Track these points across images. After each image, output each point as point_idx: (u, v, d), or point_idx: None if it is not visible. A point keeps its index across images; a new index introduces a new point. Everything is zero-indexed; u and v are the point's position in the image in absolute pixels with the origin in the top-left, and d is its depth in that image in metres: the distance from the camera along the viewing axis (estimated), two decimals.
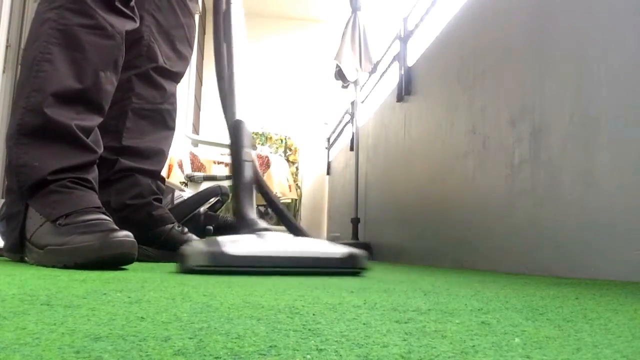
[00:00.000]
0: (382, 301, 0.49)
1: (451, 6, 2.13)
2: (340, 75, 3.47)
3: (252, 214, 0.94)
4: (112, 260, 0.83)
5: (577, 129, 1.23)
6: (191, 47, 1.42)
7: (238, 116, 1.02)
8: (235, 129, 1.01)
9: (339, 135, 4.53)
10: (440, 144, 2.10)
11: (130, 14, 1.09)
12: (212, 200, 2.02)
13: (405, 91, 2.58)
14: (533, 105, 1.42)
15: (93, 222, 0.88)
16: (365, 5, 3.53)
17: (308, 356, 0.24)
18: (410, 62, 2.61)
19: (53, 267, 0.84)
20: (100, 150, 1.05)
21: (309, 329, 0.31)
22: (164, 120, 1.39)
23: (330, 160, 4.94)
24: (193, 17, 1.44)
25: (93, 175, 1.02)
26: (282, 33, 5.57)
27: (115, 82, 1.07)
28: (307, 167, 5.55)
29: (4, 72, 1.91)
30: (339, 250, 0.90)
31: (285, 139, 5.54)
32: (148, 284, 0.59)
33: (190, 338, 0.27)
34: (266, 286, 0.62)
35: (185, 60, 1.44)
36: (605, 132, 1.13)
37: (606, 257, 1.09)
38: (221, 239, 0.83)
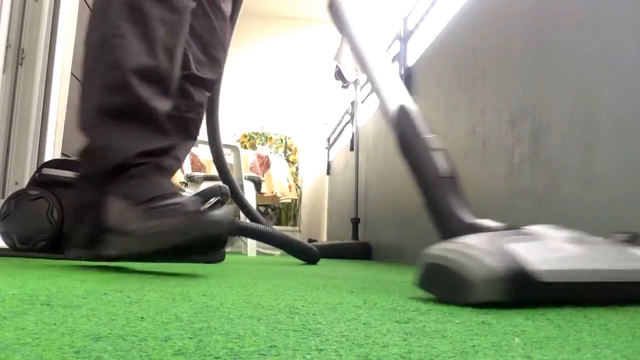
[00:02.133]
0: (382, 301, 0.49)
1: (451, 6, 2.13)
2: (340, 75, 3.47)
3: (465, 211, 0.68)
4: (206, 241, 0.75)
5: (577, 129, 1.23)
6: (225, 51, 1.35)
7: (402, 101, 0.81)
8: (403, 114, 0.80)
9: (339, 135, 4.53)
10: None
11: None
12: (212, 200, 2.02)
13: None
14: (533, 105, 1.42)
15: (179, 204, 0.80)
16: (366, 5, 3.53)
17: (308, 356, 0.24)
18: (410, 62, 2.61)
19: (139, 254, 0.78)
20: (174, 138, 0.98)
21: (309, 329, 0.31)
22: (187, 129, 1.32)
23: (330, 160, 4.94)
24: (227, 20, 1.37)
25: (168, 162, 0.96)
26: (282, 33, 5.57)
27: (179, 62, 1.00)
28: (307, 167, 5.55)
29: (4, 72, 1.91)
30: None
31: (285, 139, 5.54)
32: (148, 284, 0.59)
33: (190, 338, 0.27)
34: (266, 286, 0.62)
35: (217, 64, 1.39)
36: (605, 132, 1.13)
37: None
38: (501, 243, 0.50)
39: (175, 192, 0.87)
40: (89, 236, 0.86)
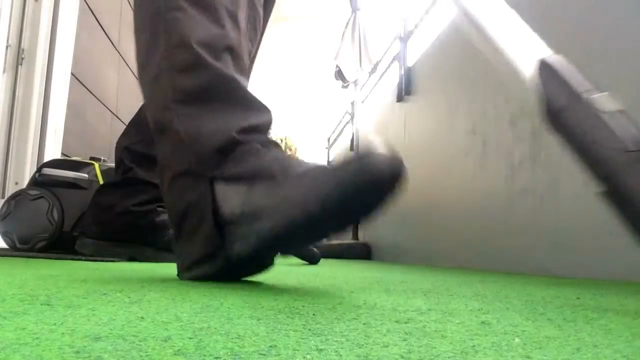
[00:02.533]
0: (382, 301, 0.49)
1: (451, 6, 2.13)
2: (340, 75, 3.47)
3: None
4: (384, 182, 0.53)
5: None
6: (253, 42, 1.05)
7: (541, 54, 0.58)
8: (548, 70, 0.56)
9: (339, 135, 4.53)
10: (440, 144, 2.10)
11: None
12: None
13: (405, 91, 2.59)
14: (533, 105, 1.42)
15: (314, 164, 0.61)
16: (365, 5, 3.54)
17: (308, 356, 0.24)
18: (410, 62, 2.61)
19: (287, 225, 0.55)
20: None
21: (309, 329, 0.31)
22: None
23: (330, 160, 4.95)
24: (257, 7, 1.25)
25: (274, 140, 0.77)
26: (282, 32, 5.58)
27: (245, 30, 0.83)
28: None
29: (4, 72, 1.91)
30: None
31: (284, 139, 5.54)
32: (148, 284, 0.59)
33: (190, 338, 0.27)
34: (266, 286, 0.62)
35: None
36: None
37: (606, 257, 1.09)
38: None
39: (301, 160, 0.67)
40: (207, 241, 0.66)
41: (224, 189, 0.66)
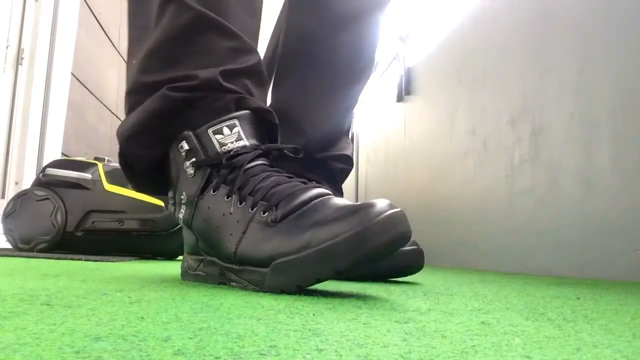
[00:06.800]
0: (382, 301, 0.49)
1: (451, 6, 2.13)
2: None
3: None
4: (389, 248, 0.51)
5: (577, 129, 1.23)
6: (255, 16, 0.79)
7: None
8: None
9: None
10: (440, 144, 2.10)
11: None
12: None
13: (405, 91, 2.59)
14: (533, 105, 1.42)
15: (318, 200, 0.56)
16: None
17: (308, 356, 0.24)
18: (410, 62, 2.61)
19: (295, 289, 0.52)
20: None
21: (309, 329, 0.31)
22: None
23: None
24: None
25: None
26: None
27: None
28: None
29: (4, 72, 1.92)
30: None
31: None
32: (148, 284, 0.59)
33: (190, 338, 0.27)
34: None
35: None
36: (605, 132, 1.13)
37: (606, 257, 1.09)
38: None
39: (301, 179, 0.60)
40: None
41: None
